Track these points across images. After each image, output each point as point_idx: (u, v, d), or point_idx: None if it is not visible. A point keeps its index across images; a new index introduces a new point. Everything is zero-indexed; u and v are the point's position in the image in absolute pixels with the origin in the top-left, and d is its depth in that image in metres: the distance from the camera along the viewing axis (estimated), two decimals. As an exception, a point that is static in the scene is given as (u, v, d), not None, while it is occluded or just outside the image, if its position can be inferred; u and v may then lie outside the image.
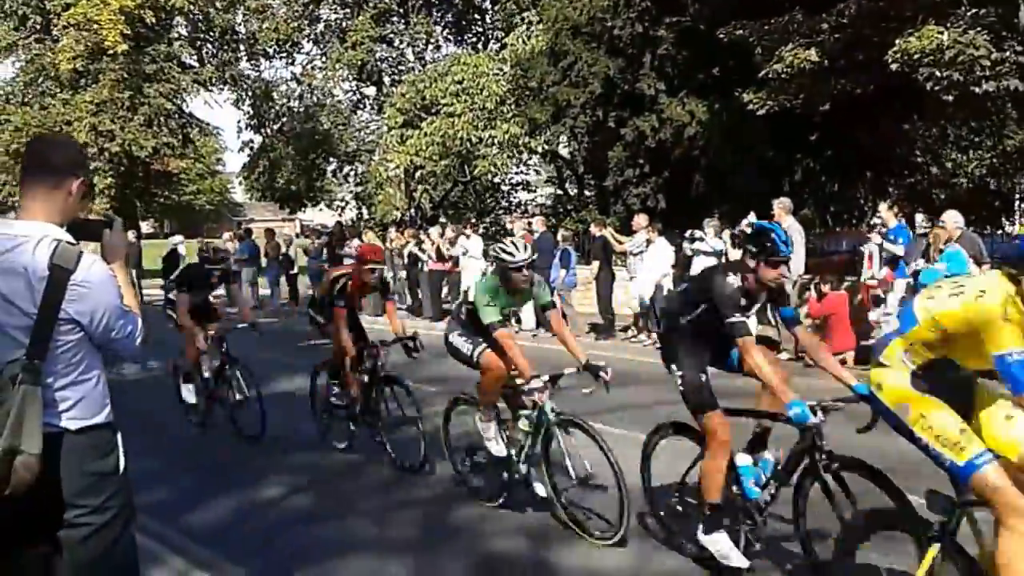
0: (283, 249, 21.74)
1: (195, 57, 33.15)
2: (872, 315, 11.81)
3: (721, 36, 14.77)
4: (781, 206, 12.59)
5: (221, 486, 7.21)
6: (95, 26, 28.33)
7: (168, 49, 31.37)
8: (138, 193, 34.85)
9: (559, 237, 16.19)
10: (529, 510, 6.31)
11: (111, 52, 28.96)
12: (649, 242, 14.49)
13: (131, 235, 24.96)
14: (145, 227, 47.79)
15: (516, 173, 26.38)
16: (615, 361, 13.25)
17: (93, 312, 3.04)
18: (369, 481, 7.30)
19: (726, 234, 14.08)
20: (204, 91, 33.19)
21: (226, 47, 31.88)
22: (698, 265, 13.71)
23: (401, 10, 27.36)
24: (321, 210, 39.26)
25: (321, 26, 28.86)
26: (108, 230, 3.27)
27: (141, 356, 10.97)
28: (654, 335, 14.40)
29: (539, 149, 22.03)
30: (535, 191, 28.41)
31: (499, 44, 24.21)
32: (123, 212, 33.30)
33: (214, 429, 9.05)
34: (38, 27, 31.89)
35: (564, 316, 9.95)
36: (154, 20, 29.97)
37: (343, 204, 33.08)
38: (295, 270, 21.85)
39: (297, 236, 22.39)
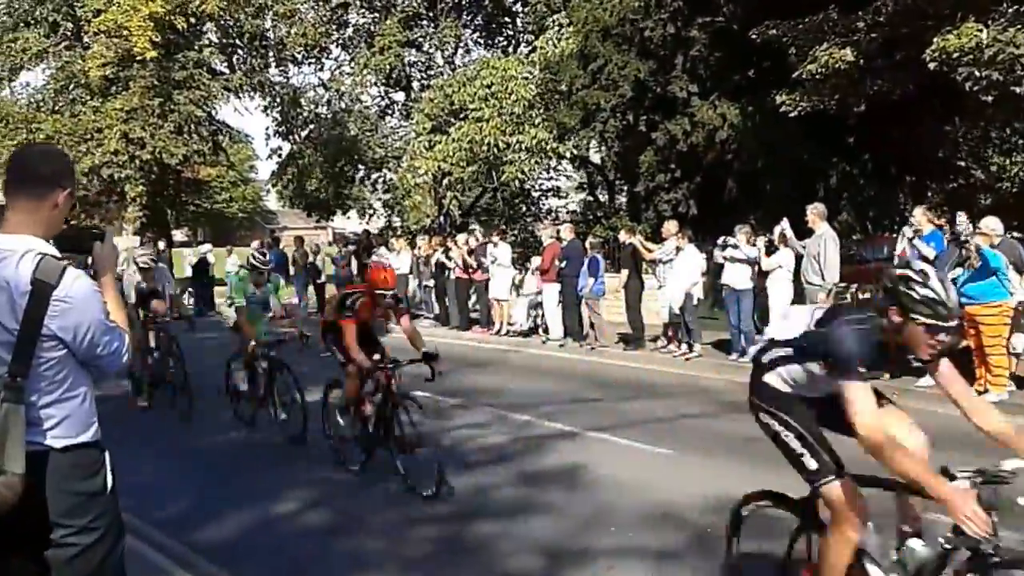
0: (310, 258, 21.61)
1: (225, 64, 33.15)
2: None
3: (754, 36, 14.36)
4: (815, 212, 12.17)
5: (234, 500, 7.10)
6: (125, 32, 28.36)
7: (198, 56, 31.35)
8: (169, 201, 34.92)
9: (587, 245, 15.86)
10: (543, 531, 6.13)
11: (140, 59, 28.97)
12: (679, 249, 14.14)
13: (161, 244, 25.14)
14: (180, 235, 48.09)
15: (547, 179, 26.06)
16: (643, 373, 13.08)
17: (77, 328, 2.94)
18: (384, 495, 7.13)
19: (760, 241, 13.69)
20: (235, 98, 33.26)
21: (254, 53, 31.85)
22: (730, 273, 13.35)
23: (430, 14, 27.15)
24: (349, 218, 39.21)
25: (350, 31, 28.74)
26: (99, 242, 3.21)
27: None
28: (683, 345, 14.04)
29: (567, 154, 21.67)
30: (566, 197, 28.06)
31: (529, 47, 23.94)
32: (155, 220, 33.44)
33: (229, 441, 9.02)
34: (69, 34, 31.95)
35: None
36: (184, 26, 29.98)
37: (372, 212, 32.94)
38: (322, 279, 21.70)
39: (329, 244, 22.26)
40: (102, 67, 29.30)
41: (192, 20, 30.19)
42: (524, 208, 28.18)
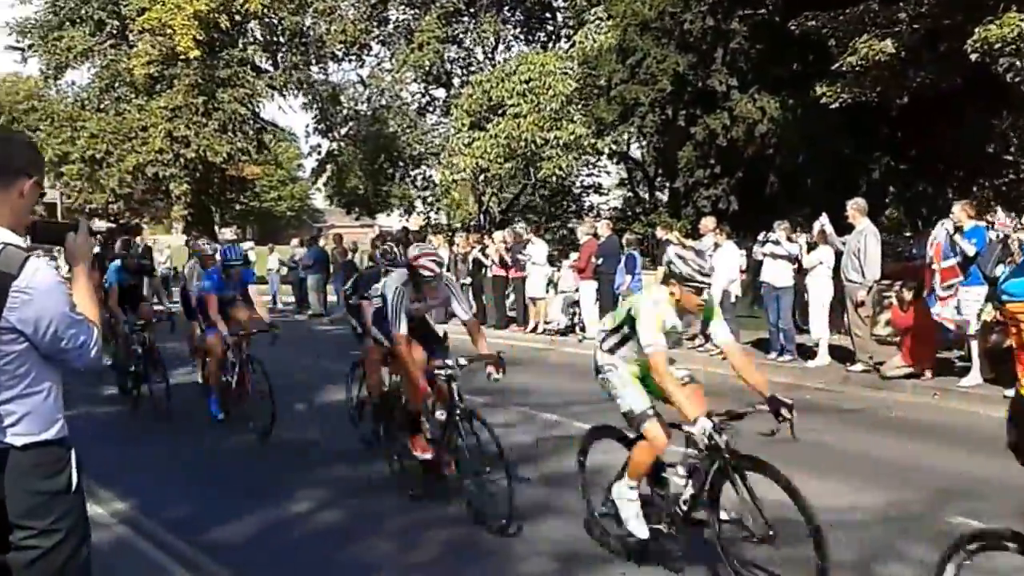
0: (348, 255, 21.61)
1: (270, 62, 33.34)
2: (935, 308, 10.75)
3: (792, 28, 14.01)
4: (855, 207, 11.80)
5: (247, 501, 6.97)
6: (169, 31, 28.66)
7: (242, 54, 31.58)
8: (215, 199, 35.26)
9: (624, 241, 15.61)
10: (559, 533, 5.97)
11: (184, 57, 29.26)
12: (717, 246, 13.81)
13: (203, 241, 25.28)
14: (229, 233, 48.53)
15: (586, 176, 25.80)
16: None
17: (37, 320, 2.85)
18: (399, 497, 6.94)
19: (803, 238, 13.34)
20: (279, 96, 33.46)
21: (294, 50, 32.00)
22: (769, 270, 13.03)
23: (470, 10, 27.01)
24: (398, 216, 39.19)
25: (390, 27, 28.71)
26: (72, 233, 3.11)
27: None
28: (721, 344, 13.74)
29: (605, 150, 21.39)
30: (607, 194, 27.75)
31: (569, 43, 23.70)
32: (200, 218, 33.80)
33: (245, 442, 8.88)
34: (114, 32, 32.38)
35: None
36: (228, 25, 30.22)
37: (411, 209, 32.94)
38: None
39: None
40: (146, 65, 29.66)
41: (236, 18, 30.39)
42: (565, 205, 27.91)
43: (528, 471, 7.50)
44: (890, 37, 12.96)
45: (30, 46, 33.60)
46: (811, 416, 9.30)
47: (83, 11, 32.23)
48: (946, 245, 10.53)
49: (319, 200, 62.27)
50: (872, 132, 16.67)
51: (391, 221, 45.30)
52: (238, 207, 41.60)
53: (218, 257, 9.92)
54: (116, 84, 32.66)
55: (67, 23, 32.43)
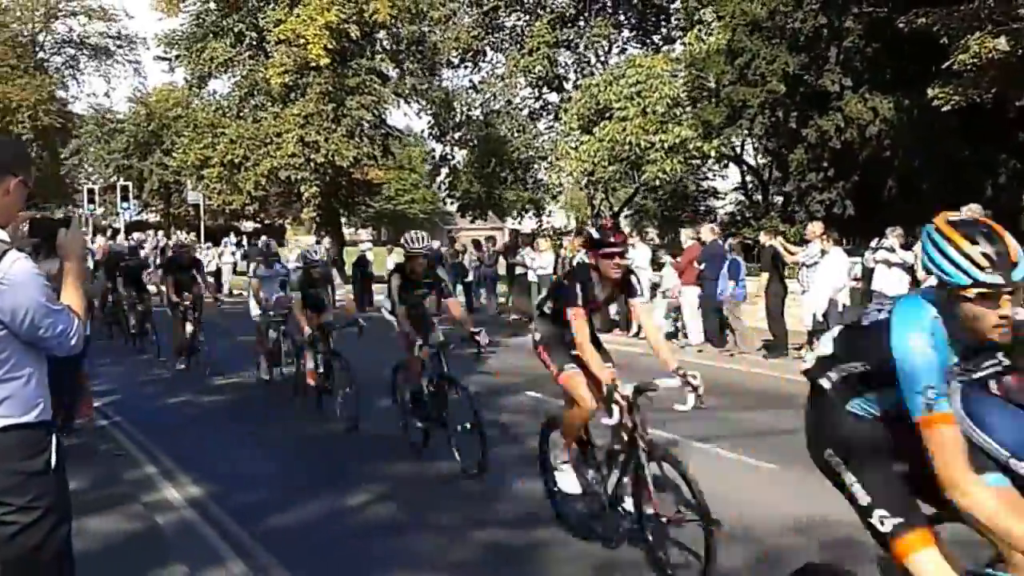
0: (459, 257, 21.90)
1: (396, 70, 34.18)
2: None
3: (901, 25, 13.37)
4: (970, 213, 11.16)
5: (309, 490, 7.20)
6: (302, 41, 29.78)
7: (370, 63, 32.50)
8: (342, 202, 36.34)
9: (727, 246, 15.23)
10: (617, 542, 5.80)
11: (316, 66, 30.35)
12: (823, 252, 13.32)
13: (326, 242, 26.26)
14: (365, 235, 49.93)
15: (701, 179, 25.36)
16: (778, 382, 12.40)
17: (14, 310, 3.00)
18: (453, 494, 7.07)
19: (918, 245, 12.72)
20: (404, 103, 34.31)
21: (412, 58, 32.70)
22: (882, 278, 12.51)
23: (584, 15, 26.99)
24: (529, 218, 39.39)
25: (502, 34, 28.98)
26: (64, 229, 3.27)
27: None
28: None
29: (712, 153, 20.96)
30: (724, 198, 27.16)
31: (682, 45, 23.36)
32: (328, 220, 34.92)
33: (323, 433, 9.16)
34: (253, 44, 33.88)
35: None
36: (358, 34, 31.15)
37: (523, 212, 33.10)
38: (469, 277, 21.94)
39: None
40: (281, 75, 30.89)
41: (365, 28, 31.28)
42: (680, 209, 27.50)
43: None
44: (1005, 34, 12.19)
45: (177, 57, 35.59)
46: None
47: (225, 24, 33.82)
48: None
49: (451, 203, 63.53)
50: (993, 135, 15.72)
51: (522, 224, 45.75)
52: (366, 209, 42.78)
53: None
54: (254, 93, 34.16)
55: (210, 35, 34.10)
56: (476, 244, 22.34)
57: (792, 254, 14.25)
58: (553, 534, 6.06)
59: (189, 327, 12.91)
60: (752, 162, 24.51)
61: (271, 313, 11.58)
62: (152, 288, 16.62)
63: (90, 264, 17.36)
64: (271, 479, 7.61)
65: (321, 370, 9.78)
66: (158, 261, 21.40)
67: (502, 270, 21.80)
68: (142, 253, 21.43)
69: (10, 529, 3.07)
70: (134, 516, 6.20)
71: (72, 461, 7.38)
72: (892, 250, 12.49)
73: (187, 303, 12.86)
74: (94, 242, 34.89)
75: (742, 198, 25.91)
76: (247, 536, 6.14)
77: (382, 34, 32.22)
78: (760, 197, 24.32)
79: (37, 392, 3.16)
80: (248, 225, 51.03)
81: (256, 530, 6.24)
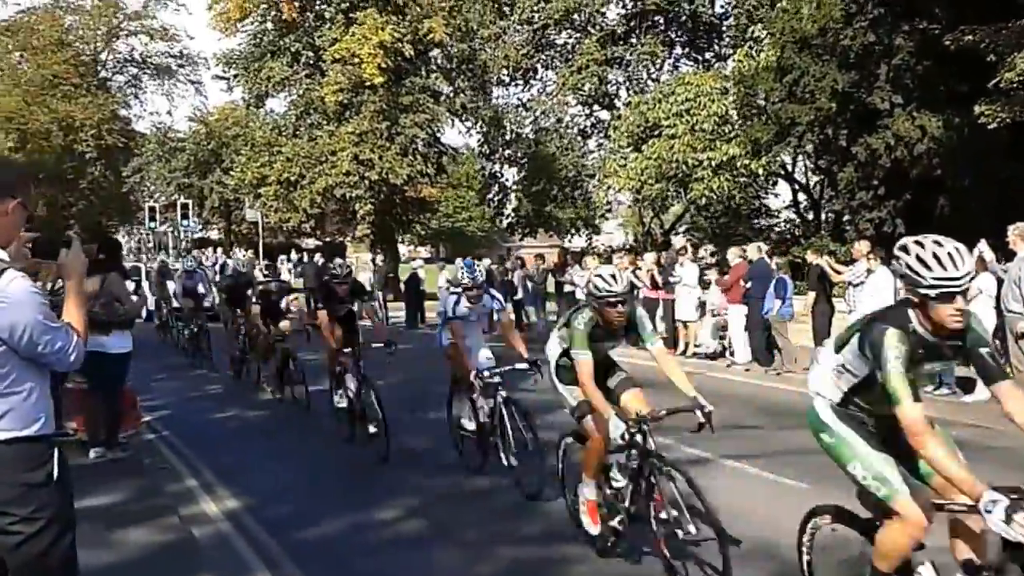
0: (508, 275, 21.99)
1: (450, 88, 34.49)
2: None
3: (947, 43, 13.16)
4: (1017, 232, 10.89)
5: (339, 504, 7.34)
6: (357, 60, 30.23)
7: (423, 81, 32.87)
8: (397, 219, 36.70)
9: (773, 265, 15.10)
10: (629, 555, 5.87)
11: (370, 85, 30.76)
12: (870, 271, 13.12)
13: (379, 259, 26.61)
14: (424, 252, 50.17)
15: (753, 197, 25.14)
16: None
17: (12, 326, 3.10)
18: (483, 509, 7.15)
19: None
20: (459, 121, 34.57)
21: (463, 76, 32.99)
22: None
23: (636, 33, 27.02)
24: (585, 235, 39.35)
25: (553, 51, 29.13)
26: (65, 249, 3.38)
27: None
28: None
29: (760, 171, 20.78)
30: (777, 216, 26.88)
31: (734, 62, 23.27)
32: (382, 237, 35.30)
33: (346, 449, 9.32)
34: (309, 63, 34.45)
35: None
36: (412, 53, 31.54)
37: (576, 230, 33.12)
38: (519, 295, 22.01)
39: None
40: (336, 93, 31.39)
41: (419, 47, 31.64)
42: (733, 227, 27.24)
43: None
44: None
45: (235, 76, 36.35)
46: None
47: (281, 43, 34.43)
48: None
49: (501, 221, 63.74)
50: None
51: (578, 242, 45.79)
52: (420, 227, 43.11)
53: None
54: (310, 111, 34.72)
55: (267, 55, 34.72)
56: (521, 262, 22.42)
57: (839, 273, 14.07)
58: (578, 551, 6.06)
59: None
60: (803, 180, 24.27)
61: None
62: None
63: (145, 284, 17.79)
64: (306, 492, 7.76)
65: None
66: (217, 279, 21.71)
67: (552, 288, 21.82)
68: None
69: (15, 539, 3.18)
70: (170, 528, 6.36)
71: (118, 474, 7.73)
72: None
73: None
74: (154, 260, 36.00)
75: (793, 216, 25.62)
76: (278, 548, 6.28)
77: (435, 52, 32.51)
78: (811, 215, 24.06)
79: (39, 406, 3.25)
80: (309, 242, 51.82)
81: (287, 542, 6.38)
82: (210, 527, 6.72)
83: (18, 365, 3.18)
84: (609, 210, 26.12)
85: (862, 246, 13.89)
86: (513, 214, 35.65)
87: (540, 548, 6.26)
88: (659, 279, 17.05)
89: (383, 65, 30.31)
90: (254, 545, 6.34)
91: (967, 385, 11.84)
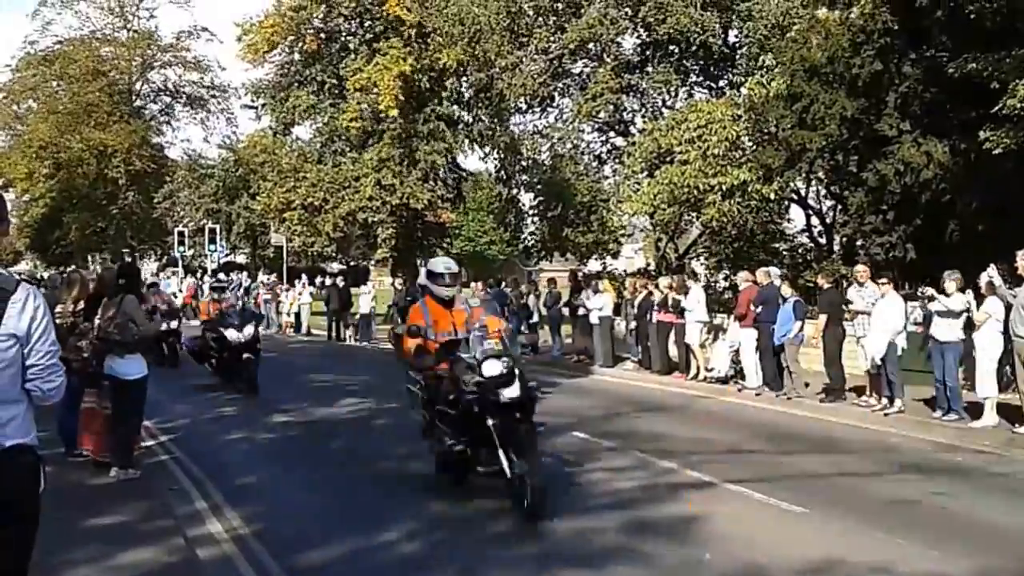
0: (523, 299, 22.18)
1: (469, 116, 34.92)
2: None
3: (951, 71, 13.30)
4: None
5: (345, 526, 7.55)
6: (376, 90, 30.76)
7: (441, 109, 33.35)
8: (417, 243, 37.09)
9: (786, 289, 15.17)
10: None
11: (384, 116, 31.36)
12: (882, 296, 13.21)
13: (399, 282, 26.90)
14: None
15: (767, 221, 25.18)
16: (830, 427, 12.35)
17: (31, 323, 3.42)
18: (489, 532, 7.33)
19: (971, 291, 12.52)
20: (478, 147, 34.97)
21: (480, 104, 33.40)
22: (937, 327, 12.33)
23: (653, 60, 27.24)
24: (598, 259, 39.60)
25: (568, 80, 29.43)
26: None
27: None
28: (884, 400, 13.10)
29: (771, 196, 20.90)
30: (792, 241, 26.91)
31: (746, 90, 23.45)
32: (403, 260, 35.68)
33: (355, 471, 9.61)
34: (334, 92, 35.09)
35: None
36: (427, 85, 32.08)
37: (592, 254, 33.27)
38: (535, 319, 22.20)
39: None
40: (352, 121, 31.99)
41: (434, 76, 32.13)
42: (748, 251, 27.27)
43: (619, 517, 7.60)
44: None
45: (263, 105, 37.10)
46: (949, 478, 8.87)
47: (307, 73, 35.18)
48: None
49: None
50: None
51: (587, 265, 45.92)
52: (441, 250, 43.45)
53: None
54: (334, 139, 35.37)
55: (294, 84, 35.52)
56: (535, 285, 22.65)
57: (850, 301, 14.16)
58: (572, 574, 6.29)
59: None
60: (816, 205, 24.37)
61: None
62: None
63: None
64: (311, 516, 7.92)
65: None
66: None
67: (567, 311, 22.01)
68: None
69: (7, 538, 3.42)
70: (175, 549, 6.50)
71: (128, 495, 7.97)
72: (933, 298, 12.38)
73: None
74: (183, 283, 36.55)
75: (806, 241, 25.68)
76: (279, 570, 6.45)
77: (452, 81, 32.96)
78: (824, 240, 24.14)
79: (31, 417, 3.54)
80: (335, 266, 52.41)
81: (291, 564, 6.54)
82: (215, 549, 6.88)
83: (20, 375, 3.44)
84: (628, 234, 26.26)
85: (862, 269, 14.06)
86: (530, 238, 36.00)
87: (538, 569, 6.44)
88: (671, 303, 17.16)
89: (400, 96, 30.76)
90: (256, 567, 6.51)
91: (975, 410, 11.92)
